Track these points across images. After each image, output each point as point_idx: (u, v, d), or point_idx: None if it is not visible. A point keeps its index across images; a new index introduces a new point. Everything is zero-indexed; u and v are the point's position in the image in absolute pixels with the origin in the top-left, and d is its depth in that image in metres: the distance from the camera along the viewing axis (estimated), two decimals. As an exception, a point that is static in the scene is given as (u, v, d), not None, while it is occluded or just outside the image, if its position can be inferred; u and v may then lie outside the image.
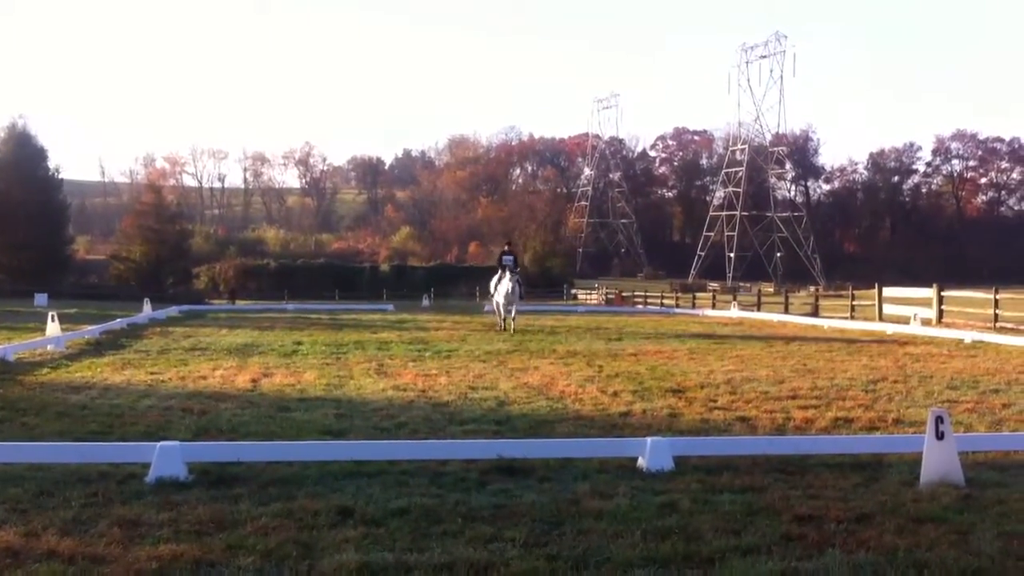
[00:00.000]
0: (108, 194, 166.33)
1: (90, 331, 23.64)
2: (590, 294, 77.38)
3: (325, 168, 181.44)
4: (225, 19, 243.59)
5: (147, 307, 33.82)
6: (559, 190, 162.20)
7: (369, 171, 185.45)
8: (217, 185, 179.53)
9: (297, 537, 5.95)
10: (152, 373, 15.26)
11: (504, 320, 26.69)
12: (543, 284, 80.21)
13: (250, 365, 16.50)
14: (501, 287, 26.35)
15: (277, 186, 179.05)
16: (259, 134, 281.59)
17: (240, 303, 62.00)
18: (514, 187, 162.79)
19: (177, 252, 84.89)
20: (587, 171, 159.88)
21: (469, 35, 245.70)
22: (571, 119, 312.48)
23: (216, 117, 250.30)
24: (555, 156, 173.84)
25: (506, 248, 28.02)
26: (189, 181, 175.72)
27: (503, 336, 24.43)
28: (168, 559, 5.48)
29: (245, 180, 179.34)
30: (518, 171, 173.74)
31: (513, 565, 5.39)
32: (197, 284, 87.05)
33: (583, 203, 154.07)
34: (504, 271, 26.61)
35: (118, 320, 28.13)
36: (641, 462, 8.07)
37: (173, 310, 38.53)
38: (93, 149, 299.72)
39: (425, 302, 56.22)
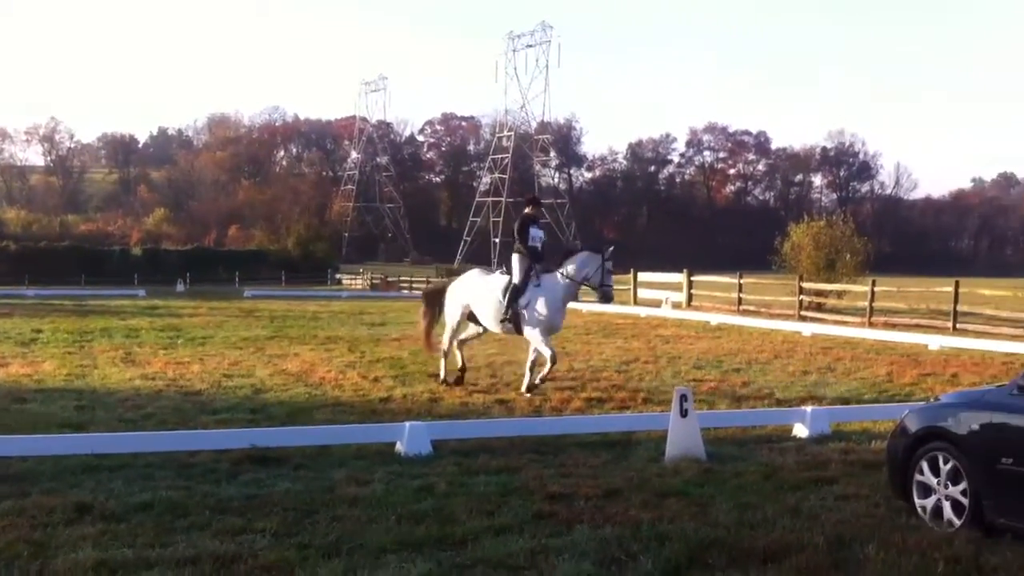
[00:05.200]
0: None
1: None
2: (355, 279, 76.57)
3: (72, 145, 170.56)
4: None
5: None
6: (325, 173, 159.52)
7: (121, 149, 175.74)
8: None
9: (29, 536, 5.64)
10: None
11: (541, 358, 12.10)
12: (307, 269, 78.90)
13: (-18, 355, 15.40)
14: (546, 302, 11.91)
15: (19, 164, 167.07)
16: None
17: (-25, 288, 57.51)
18: (278, 169, 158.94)
19: (-98, 233, 77.96)
20: (354, 154, 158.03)
21: (229, 8, 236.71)
22: (338, 101, 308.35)
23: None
24: (321, 138, 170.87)
25: (529, 210, 12.98)
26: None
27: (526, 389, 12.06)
28: None
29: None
30: (282, 153, 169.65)
31: (261, 556, 5.27)
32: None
33: (349, 187, 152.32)
34: (523, 258, 12.19)
35: None
36: (399, 447, 8.08)
37: None
38: None
39: (180, 287, 54.22)
